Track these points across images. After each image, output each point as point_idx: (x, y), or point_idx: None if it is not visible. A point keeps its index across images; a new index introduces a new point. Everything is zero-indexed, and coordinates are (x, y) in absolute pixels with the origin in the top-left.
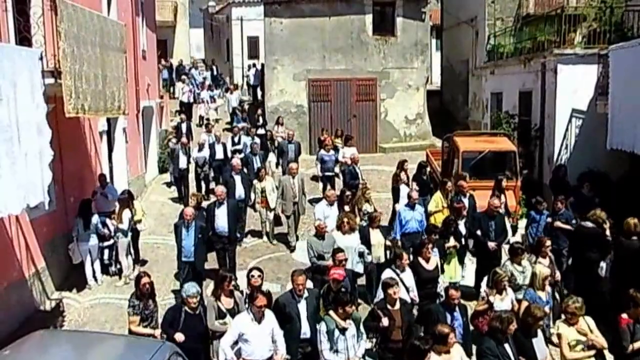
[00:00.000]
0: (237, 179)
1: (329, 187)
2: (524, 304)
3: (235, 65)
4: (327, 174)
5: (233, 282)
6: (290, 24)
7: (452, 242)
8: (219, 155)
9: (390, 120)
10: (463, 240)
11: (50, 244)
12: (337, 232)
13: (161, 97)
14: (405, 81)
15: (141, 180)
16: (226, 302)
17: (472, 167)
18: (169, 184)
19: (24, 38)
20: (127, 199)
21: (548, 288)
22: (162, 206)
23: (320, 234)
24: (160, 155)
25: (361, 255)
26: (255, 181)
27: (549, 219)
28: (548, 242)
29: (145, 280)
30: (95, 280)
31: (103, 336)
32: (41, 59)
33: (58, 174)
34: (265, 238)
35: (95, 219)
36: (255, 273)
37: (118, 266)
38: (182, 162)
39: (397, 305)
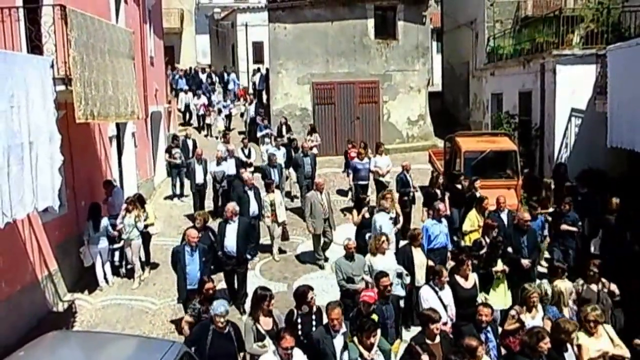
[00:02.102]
0: (251, 194)
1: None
2: (547, 322)
3: (241, 70)
4: (360, 182)
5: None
6: (293, 29)
7: (500, 265)
8: (231, 170)
9: (393, 122)
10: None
11: (62, 247)
12: (371, 257)
13: (169, 102)
14: (407, 83)
15: (150, 183)
16: (265, 323)
17: (474, 167)
18: (171, 197)
19: (35, 46)
20: (134, 202)
21: (571, 304)
22: (171, 208)
23: (349, 254)
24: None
25: (399, 276)
26: (263, 194)
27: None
28: (595, 266)
29: (208, 285)
30: (107, 281)
31: (115, 336)
32: (52, 66)
33: (69, 178)
34: (276, 255)
35: (105, 221)
36: (313, 294)
37: (129, 267)
38: (199, 177)
39: (437, 339)
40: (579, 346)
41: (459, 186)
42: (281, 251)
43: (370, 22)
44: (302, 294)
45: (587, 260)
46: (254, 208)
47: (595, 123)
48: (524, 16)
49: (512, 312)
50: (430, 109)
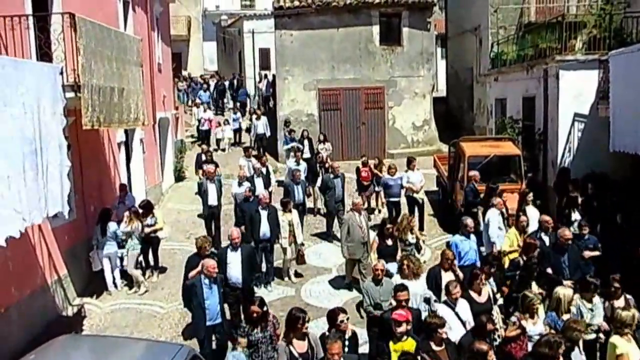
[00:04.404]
0: (264, 214)
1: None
2: (546, 328)
3: (248, 77)
4: (391, 199)
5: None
6: (300, 35)
7: (535, 288)
8: (259, 190)
9: (398, 127)
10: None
11: (71, 252)
12: (399, 278)
13: (176, 109)
14: (412, 89)
15: (158, 188)
16: (299, 346)
17: (478, 172)
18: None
19: (44, 54)
20: (137, 212)
21: (573, 309)
22: (179, 213)
23: (376, 278)
24: (176, 165)
25: (427, 301)
26: (280, 213)
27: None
28: (616, 283)
29: (253, 308)
30: (115, 286)
31: (123, 340)
32: (61, 73)
33: (78, 183)
34: (293, 278)
35: (113, 226)
36: (344, 317)
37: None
38: (212, 198)
39: (443, 345)
40: (620, 355)
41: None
42: (297, 274)
43: (375, 29)
44: (331, 316)
45: (611, 277)
46: (265, 230)
47: (598, 128)
48: (527, 22)
49: (513, 319)
50: (435, 114)
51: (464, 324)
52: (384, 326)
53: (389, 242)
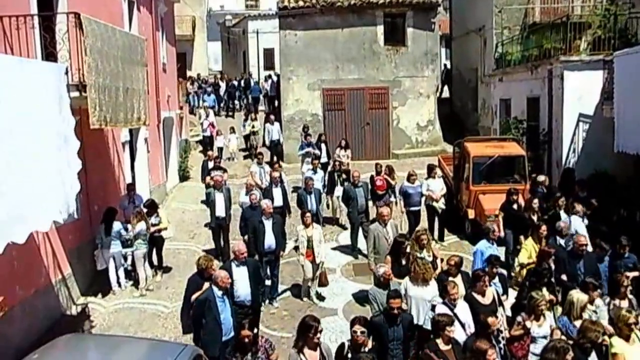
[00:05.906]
0: (268, 224)
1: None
2: (557, 332)
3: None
4: (412, 208)
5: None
6: (304, 36)
7: (546, 295)
8: (277, 202)
9: (403, 127)
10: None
11: (75, 251)
12: (409, 282)
13: (180, 108)
14: (417, 89)
15: (162, 188)
16: (311, 356)
17: (483, 172)
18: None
19: (49, 53)
20: (142, 212)
21: (586, 315)
22: (183, 213)
23: (384, 283)
24: (181, 164)
25: (434, 309)
26: (299, 227)
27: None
28: (626, 282)
29: (244, 332)
30: (119, 285)
31: (127, 339)
32: (66, 73)
33: (83, 183)
34: (305, 298)
35: (117, 225)
36: (359, 329)
37: (137, 276)
38: (220, 209)
39: (450, 345)
40: (615, 355)
41: (515, 206)
42: (320, 297)
43: (380, 29)
44: (351, 324)
45: (617, 277)
46: (270, 242)
47: (602, 128)
48: (531, 23)
49: (518, 319)
50: (439, 114)
51: (463, 325)
52: (373, 330)
53: (403, 261)
